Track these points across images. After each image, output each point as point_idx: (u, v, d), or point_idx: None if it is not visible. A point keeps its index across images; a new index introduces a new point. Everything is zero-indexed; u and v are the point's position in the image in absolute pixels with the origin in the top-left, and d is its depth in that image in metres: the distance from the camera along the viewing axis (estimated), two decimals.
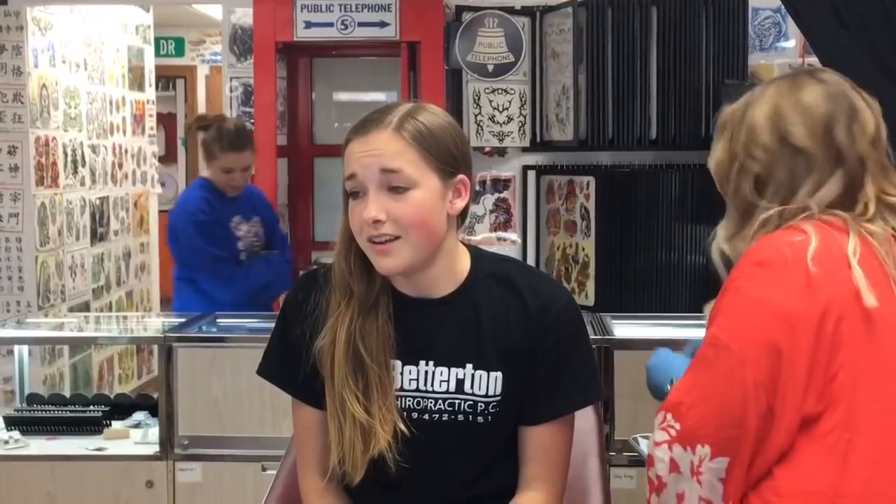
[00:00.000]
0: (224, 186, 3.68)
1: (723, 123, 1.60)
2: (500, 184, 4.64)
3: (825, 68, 1.64)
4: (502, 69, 4.69)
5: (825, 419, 1.38)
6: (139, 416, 3.27)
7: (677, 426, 1.40)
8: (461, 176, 1.53)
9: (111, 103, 5.94)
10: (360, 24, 4.51)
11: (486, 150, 4.76)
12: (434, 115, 1.54)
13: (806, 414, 1.38)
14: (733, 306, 1.43)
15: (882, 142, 1.56)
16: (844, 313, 1.41)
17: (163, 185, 7.48)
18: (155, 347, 3.37)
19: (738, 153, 1.55)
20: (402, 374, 1.56)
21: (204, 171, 3.80)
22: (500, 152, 4.79)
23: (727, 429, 1.38)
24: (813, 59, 3.88)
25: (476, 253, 1.53)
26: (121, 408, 3.32)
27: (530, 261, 4.44)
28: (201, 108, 8.55)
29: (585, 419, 1.82)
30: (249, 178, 3.76)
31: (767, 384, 1.37)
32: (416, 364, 1.56)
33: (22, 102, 4.84)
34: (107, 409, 3.27)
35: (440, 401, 1.53)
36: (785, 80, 1.58)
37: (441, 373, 1.52)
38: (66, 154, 5.26)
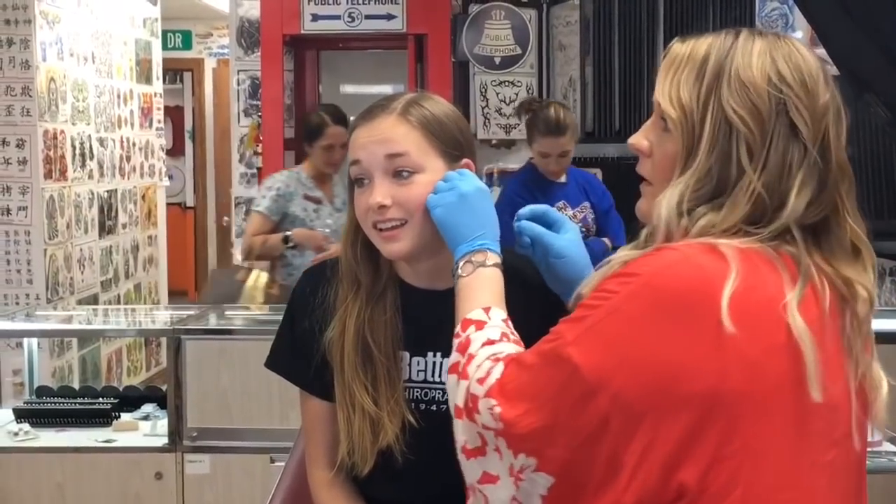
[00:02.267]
0: (543, 171, 3.66)
1: (681, 59, 1.25)
2: (507, 176, 4.64)
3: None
4: (509, 61, 4.68)
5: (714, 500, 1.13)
6: (148, 408, 3.28)
7: (500, 425, 1.19)
8: (466, 160, 1.53)
9: (119, 96, 5.94)
10: (367, 17, 4.51)
11: (494, 142, 4.75)
12: (438, 102, 1.55)
13: (682, 484, 1.13)
14: (605, 332, 1.16)
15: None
16: (766, 398, 1.14)
17: (170, 177, 7.49)
18: (163, 340, 3.38)
19: (726, 109, 1.21)
20: (410, 365, 1.56)
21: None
22: (508, 145, 4.79)
23: (561, 451, 1.17)
24: (821, 52, 3.87)
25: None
26: (129, 400, 3.33)
27: None
28: (208, 102, 8.55)
29: None
30: (568, 163, 3.69)
31: (622, 435, 1.14)
32: (424, 355, 1.56)
33: (30, 96, 4.85)
34: (116, 401, 3.28)
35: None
36: (780, 38, 1.26)
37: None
38: (74, 147, 5.27)
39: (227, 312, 3.48)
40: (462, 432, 1.24)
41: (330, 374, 1.57)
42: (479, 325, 1.30)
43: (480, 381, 1.23)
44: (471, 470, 1.24)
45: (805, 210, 1.20)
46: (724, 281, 1.14)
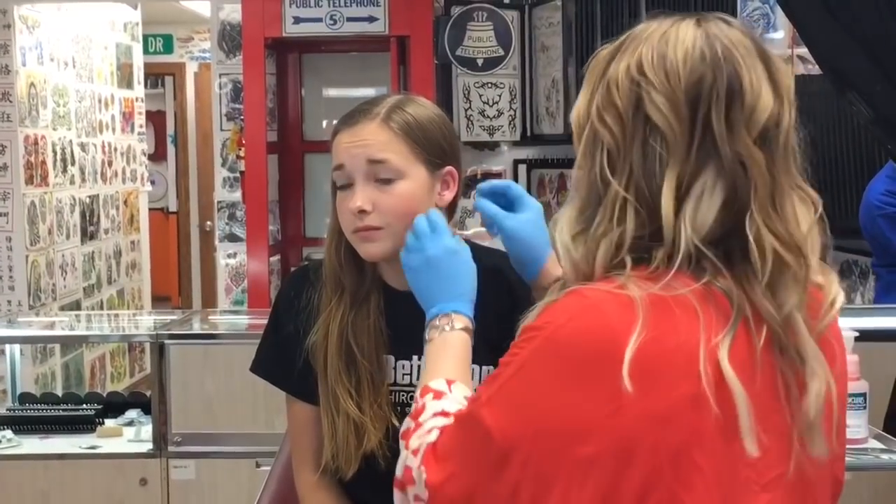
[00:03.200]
0: None
1: (590, 69, 1.18)
2: (491, 178, 4.64)
3: (727, 16, 1.18)
4: (492, 63, 4.69)
5: None
6: (132, 413, 3.27)
7: (426, 493, 1.16)
8: (449, 168, 1.53)
9: (100, 101, 5.92)
10: (349, 19, 4.50)
11: (477, 144, 4.75)
12: (422, 106, 1.54)
13: None
14: (512, 392, 1.11)
15: (786, 148, 1.13)
16: (680, 452, 1.07)
17: (153, 182, 7.46)
18: (147, 345, 3.36)
19: (592, 113, 1.14)
20: (395, 368, 1.56)
21: None
22: (491, 146, 4.79)
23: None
24: (802, 51, 3.89)
25: (474, 248, 1.53)
26: (113, 406, 3.32)
27: None
28: (190, 106, 8.53)
29: None
30: None
31: (534, 500, 1.10)
32: (409, 359, 1.56)
33: (10, 101, 4.83)
34: (99, 407, 3.27)
35: None
36: (666, 22, 1.15)
37: None
38: (55, 152, 5.24)
39: (210, 317, 3.48)
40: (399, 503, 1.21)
41: (314, 378, 1.57)
42: (438, 395, 1.26)
43: (415, 452, 1.20)
44: None
45: (701, 221, 1.08)
46: (629, 334, 1.05)
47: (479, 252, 1.58)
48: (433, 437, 1.19)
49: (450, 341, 1.35)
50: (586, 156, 1.15)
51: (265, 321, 1.69)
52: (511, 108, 4.71)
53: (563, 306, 1.11)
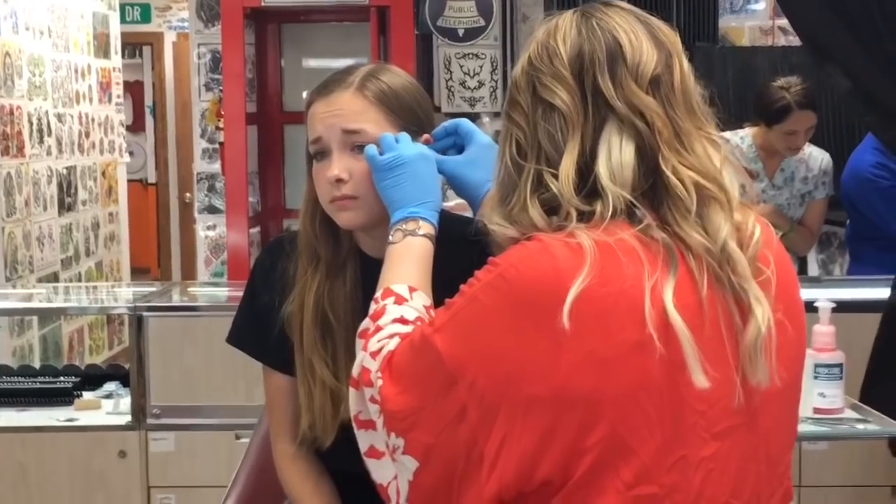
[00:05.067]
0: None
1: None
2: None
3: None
4: (473, 33, 4.68)
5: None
6: (110, 386, 3.27)
7: (379, 399, 1.20)
8: (426, 136, 1.54)
9: (76, 71, 5.88)
10: None
11: (457, 115, 4.75)
12: (396, 75, 1.55)
13: (542, 478, 1.13)
14: (463, 321, 1.16)
15: (684, 94, 1.20)
16: (625, 395, 1.11)
17: (131, 154, 7.41)
18: (126, 317, 3.36)
19: (503, 117, 1.26)
20: None
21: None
22: (472, 118, 4.79)
23: (426, 435, 1.17)
24: (783, 22, 3.90)
25: (446, 217, 1.54)
26: (92, 378, 3.32)
27: None
28: (168, 76, 8.47)
29: None
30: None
31: (480, 427, 1.14)
32: None
33: None
34: (77, 380, 3.27)
35: None
36: (551, 18, 1.25)
37: None
38: (31, 123, 5.21)
39: (190, 289, 3.48)
40: (354, 402, 1.25)
41: (290, 348, 1.58)
42: (400, 300, 1.30)
43: (374, 354, 1.24)
44: (361, 441, 1.26)
45: (618, 171, 1.15)
46: (575, 276, 1.11)
47: (456, 220, 1.60)
48: (393, 344, 1.23)
49: (413, 247, 1.38)
50: (500, 154, 1.25)
51: (242, 292, 1.69)
52: (492, 79, 4.71)
53: (520, 248, 1.17)
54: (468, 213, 1.58)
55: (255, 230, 4.71)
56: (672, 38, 1.23)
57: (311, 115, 1.53)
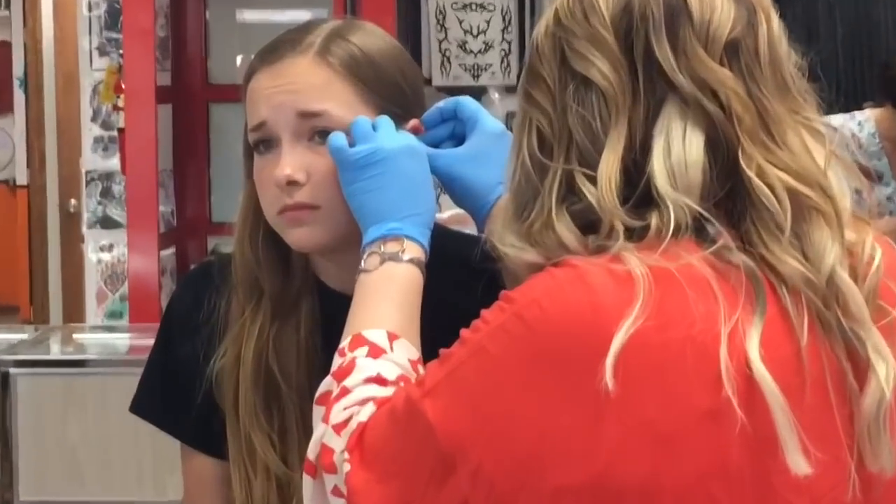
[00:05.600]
0: None
1: None
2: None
3: None
4: None
5: None
6: None
7: (345, 491, 1.21)
8: (414, 121, 1.54)
9: None
10: None
11: (455, 91, 4.77)
12: (372, 34, 1.55)
13: None
14: (465, 380, 1.17)
15: (773, 66, 1.21)
16: (690, 489, 1.12)
17: None
18: None
19: (519, 97, 1.27)
20: None
21: None
22: (476, 92, 4.80)
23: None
24: None
25: (439, 233, 1.55)
26: None
27: None
28: (47, 35, 8.49)
29: None
30: None
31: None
32: None
33: None
34: None
35: None
36: None
37: None
38: None
39: (76, 336, 3.48)
40: (311, 496, 1.26)
41: (220, 419, 1.58)
42: (375, 351, 1.30)
43: (339, 427, 1.23)
44: None
45: (680, 172, 1.15)
46: (622, 317, 1.10)
47: (454, 239, 1.60)
48: (365, 414, 1.23)
49: (395, 277, 1.38)
50: (514, 147, 1.25)
51: (152, 341, 1.69)
52: (504, 39, 4.73)
53: (544, 278, 1.16)
54: (470, 229, 1.58)
55: (169, 252, 4.72)
56: None
57: (253, 91, 1.53)
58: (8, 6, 8.69)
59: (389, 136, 1.45)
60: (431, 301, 1.41)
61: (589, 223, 1.18)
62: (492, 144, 1.50)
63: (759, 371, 1.12)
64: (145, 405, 1.68)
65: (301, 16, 4.91)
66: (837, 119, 3.45)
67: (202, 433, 1.62)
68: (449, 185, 1.52)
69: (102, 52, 4.94)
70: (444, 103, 1.56)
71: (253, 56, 1.57)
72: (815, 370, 1.15)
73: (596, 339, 1.11)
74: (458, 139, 1.55)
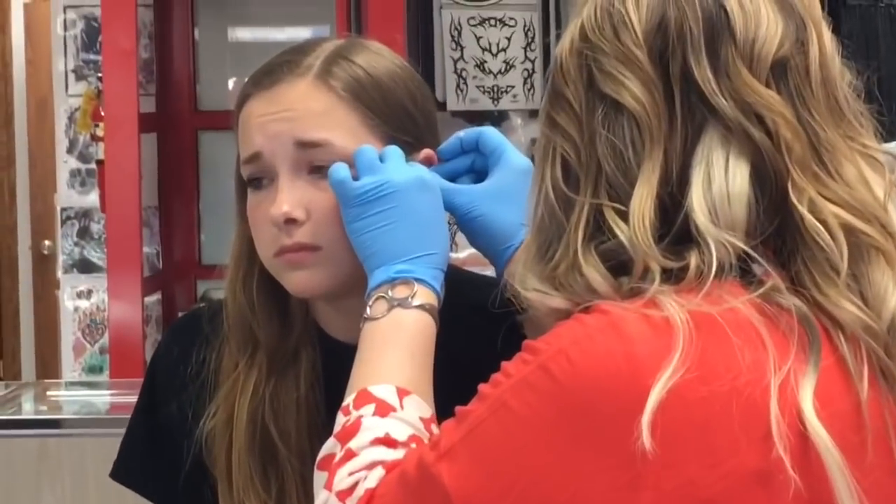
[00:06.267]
0: None
1: None
2: None
3: None
4: None
5: None
6: None
7: None
8: (426, 151, 1.55)
9: None
10: None
11: (473, 115, 4.76)
12: (379, 54, 1.56)
13: None
14: (486, 440, 1.17)
15: (826, 87, 1.22)
16: None
17: None
18: None
19: (542, 122, 1.28)
20: None
21: None
22: (496, 118, 4.80)
23: None
24: None
25: (454, 276, 1.55)
26: None
27: None
28: (18, 56, 8.54)
29: None
30: None
31: None
32: None
33: None
34: None
35: None
36: None
37: None
38: None
39: (49, 393, 3.48)
40: None
41: (211, 486, 1.58)
42: (383, 409, 1.30)
43: (344, 494, 1.24)
44: None
45: (722, 206, 1.16)
46: (660, 368, 1.11)
47: (472, 283, 1.60)
48: (374, 479, 1.23)
49: (405, 324, 1.38)
50: (536, 179, 1.26)
51: (136, 398, 1.70)
52: (527, 57, 4.74)
53: (573, 326, 1.17)
54: (490, 271, 1.58)
55: (154, 298, 4.72)
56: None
57: (246, 119, 1.54)
58: None
59: (398, 168, 1.45)
60: (446, 352, 1.41)
61: (620, 264, 1.19)
62: (517, 182, 1.51)
63: (814, 427, 1.11)
64: (128, 471, 1.68)
65: (300, 34, 4.92)
66: None
67: (191, 502, 1.62)
68: (467, 224, 1.52)
69: (79, 76, 4.95)
70: (465, 133, 1.57)
71: (246, 79, 1.58)
72: (877, 426, 1.15)
73: (631, 394, 1.11)
74: (478, 174, 1.55)
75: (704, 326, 1.13)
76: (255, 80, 1.55)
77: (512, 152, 1.54)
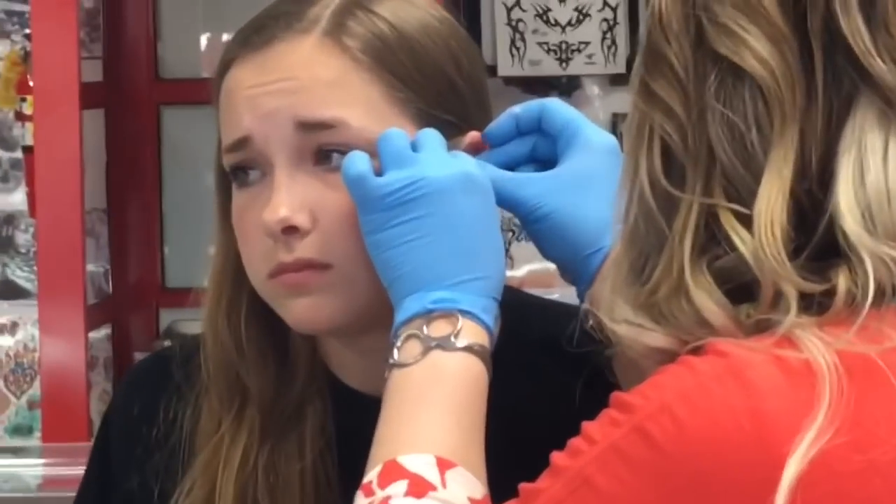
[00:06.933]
0: None
1: None
2: None
3: None
4: None
5: None
6: None
7: None
8: (473, 134, 1.55)
9: None
10: None
11: (532, 82, 4.79)
12: (407, 2, 1.56)
13: None
14: None
15: None
16: None
17: None
18: None
19: (634, 95, 1.29)
20: None
21: None
22: (565, 87, 4.83)
23: None
24: None
25: (512, 303, 1.55)
26: None
27: None
28: None
29: None
30: None
31: None
32: None
33: None
34: None
35: None
36: None
37: None
38: None
39: None
40: None
41: None
42: (419, 487, 1.30)
43: None
44: None
45: (879, 208, 1.17)
46: (798, 430, 1.12)
47: (536, 309, 1.61)
48: None
49: (447, 373, 1.38)
50: (626, 171, 1.27)
51: (81, 470, 1.71)
52: (607, 3, 4.76)
53: (678, 373, 1.18)
54: (559, 294, 1.59)
55: (102, 334, 4.76)
56: None
57: (231, 92, 1.55)
58: None
59: (436, 160, 1.46)
60: (502, 407, 1.42)
61: (742, 286, 1.19)
62: (601, 165, 1.51)
63: None
64: None
65: None
66: None
67: None
68: (536, 225, 1.52)
69: (2, 33, 5.00)
70: (521, 108, 1.56)
71: (230, 38, 1.59)
72: None
73: (759, 466, 1.12)
74: (542, 162, 1.55)
75: (859, 373, 1.14)
76: (242, 39, 1.55)
77: (589, 127, 1.54)
